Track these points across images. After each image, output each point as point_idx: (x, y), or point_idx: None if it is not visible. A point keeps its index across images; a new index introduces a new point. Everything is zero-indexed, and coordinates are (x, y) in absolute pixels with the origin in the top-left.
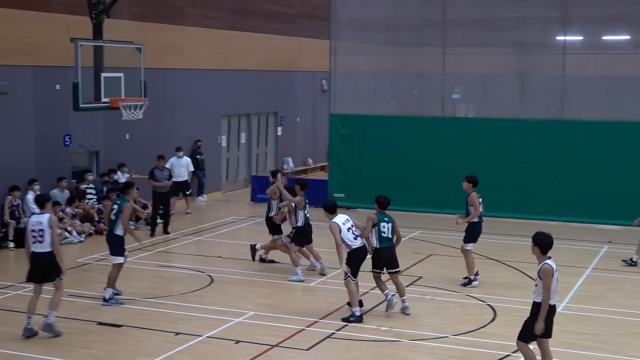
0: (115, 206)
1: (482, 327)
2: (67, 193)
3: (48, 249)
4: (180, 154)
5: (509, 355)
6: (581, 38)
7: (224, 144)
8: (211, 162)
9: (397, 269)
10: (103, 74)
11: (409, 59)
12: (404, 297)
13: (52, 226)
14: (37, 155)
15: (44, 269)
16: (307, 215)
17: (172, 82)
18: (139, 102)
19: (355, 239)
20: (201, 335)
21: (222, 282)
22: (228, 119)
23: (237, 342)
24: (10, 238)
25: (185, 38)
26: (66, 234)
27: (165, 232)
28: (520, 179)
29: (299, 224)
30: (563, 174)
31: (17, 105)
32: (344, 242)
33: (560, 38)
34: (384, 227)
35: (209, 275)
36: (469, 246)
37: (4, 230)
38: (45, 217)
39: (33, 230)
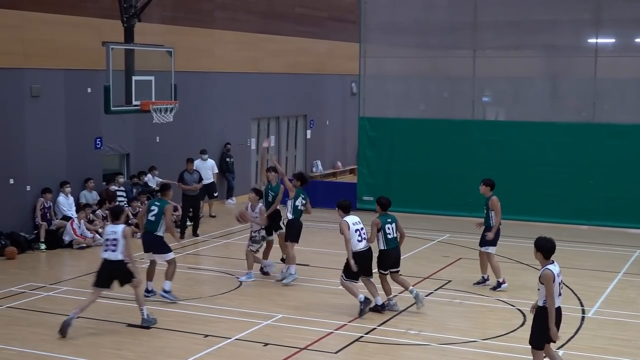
0: (155, 208)
1: (512, 331)
2: (95, 194)
3: (120, 258)
4: (205, 156)
5: None
6: (613, 40)
7: (253, 146)
8: (240, 165)
9: (398, 269)
10: (134, 77)
11: (439, 62)
12: (412, 287)
13: (125, 236)
14: (68, 157)
15: (114, 276)
16: (300, 209)
17: (202, 85)
18: (169, 105)
19: (360, 241)
20: (230, 338)
21: (251, 285)
22: (257, 122)
23: (266, 344)
24: (42, 240)
25: (215, 41)
26: (97, 235)
27: (195, 234)
28: (551, 183)
29: (289, 215)
30: (594, 177)
31: (50, 108)
32: None
33: (592, 40)
34: (388, 228)
35: (238, 278)
36: (491, 249)
37: (35, 232)
38: (119, 228)
39: (107, 239)
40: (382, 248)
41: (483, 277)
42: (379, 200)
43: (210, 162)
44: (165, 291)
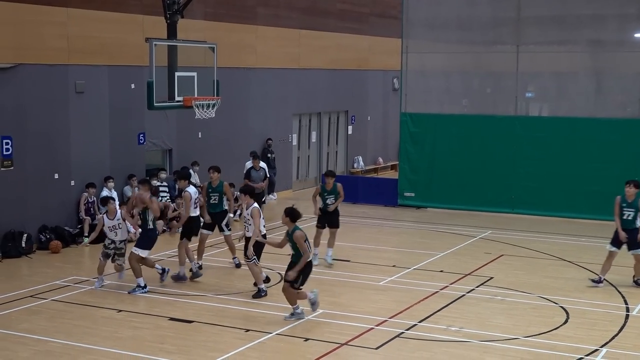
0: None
1: (554, 329)
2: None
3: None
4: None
5: (581, 358)
6: None
7: (294, 142)
8: (282, 161)
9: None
10: (177, 73)
11: (482, 58)
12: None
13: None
14: (112, 153)
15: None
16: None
17: (244, 81)
18: (211, 101)
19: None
20: (270, 333)
21: None
22: (299, 117)
23: (306, 339)
24: (86, 234)
25: (257, 37)
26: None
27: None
28: (596, 180)
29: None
30: (639, 174)
31: (93, 104)
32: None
33: (638, 35)
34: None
35: (279, 273)
36: (609, 247)
37: (79, 226)
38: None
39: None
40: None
41: (600, 277)
42: (287, 210)
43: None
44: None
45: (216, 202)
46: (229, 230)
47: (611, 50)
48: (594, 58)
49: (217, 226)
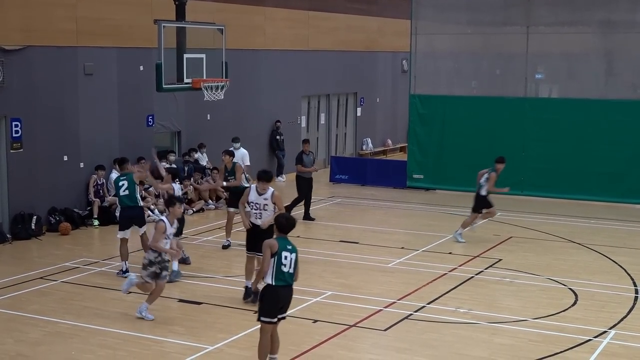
0: (124, 182)
1: (563, 310)
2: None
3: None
4: (237, 144)
5: (590, 339)
6: None
7: (303, 124)
8: (291, 143)
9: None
10: (185, 55)
11: (491, 39)
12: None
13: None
14: (121, 135)
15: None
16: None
17: (253, 63)
18: (220, 83)
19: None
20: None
21: (301, 262)
22: (308, 99)
23: (315, 321)
24: (95, 216)
25: (266, 19)
26: (149, 212)
27: (309, 218)
28: (606, 161)
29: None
30: None
31: (102, 86)
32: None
33: None
34: (285, 258)
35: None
36: None
37: (88, 208)
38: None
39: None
40: (270, 283)
41: None
42: (277, 219)
43: (242, 152)
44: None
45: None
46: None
47: (622, 31)
48: (604, 39)
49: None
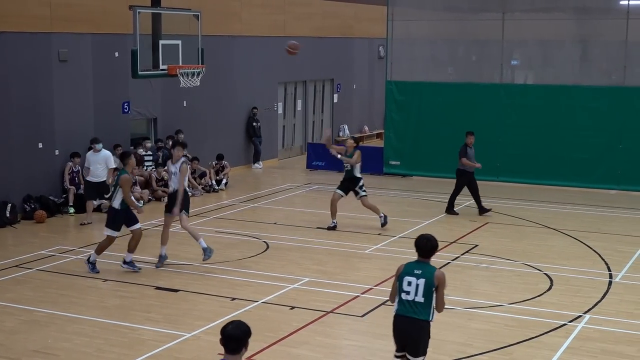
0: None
1: (539, 295)
2: None
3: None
4: (99, 146)
5: (565, 324)
6: None
7: (280, 111)
8: (267, 130)
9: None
10: (161, 42)
11: (467, 25)
12: None
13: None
14: (96, 122)
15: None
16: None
17: (230, 50)
18: (196, 70)
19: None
20: (257, 301)
21: (278, 249)
22: (284, 86)
23: (292, 307)
24: (70, 204)
25: (242, 5)
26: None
27: (483, 210)
28: (580, 147)
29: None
30: (624, 141)
31: (77, 72)
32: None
33: (623, 2)
34: (409, 284)
35: (265, 242)
36: None
37: (64, 196)
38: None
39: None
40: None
41: None
42: (417, 239)
43: (104, 154)
44: (125, 262)
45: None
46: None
47: (597, 17)
48: (579, 25)
49: None
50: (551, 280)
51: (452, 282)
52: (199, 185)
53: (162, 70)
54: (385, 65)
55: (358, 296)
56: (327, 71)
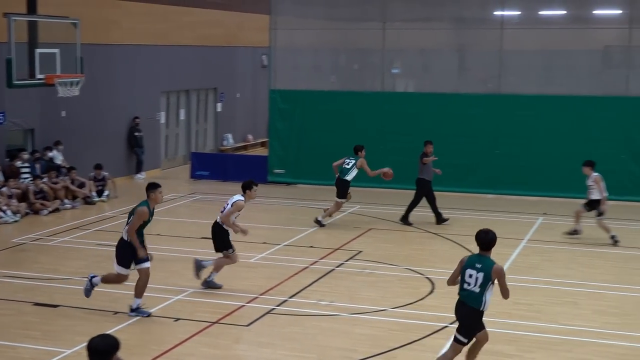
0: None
1: (421, 299)
2: None
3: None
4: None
5: (446, 326)
6: (518, 13)
7: (162, 120)
8: (150, 139)
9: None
10: (38, 50)
11: (349, 34)
12: None
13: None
14: None
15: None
16: None
17: (110, 58)
18: (75, 79)
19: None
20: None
21: (161, 260)
22: (167, 95)
23: (177, 319)
24: None
25: (123, 13)
26: (1, 213)
27: (441, 220)
28: (459, 153)
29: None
30: (500, 147)
31: None
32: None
33: (497, 13)
34: (470, 276)
35: (148, 253)
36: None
37: None
38: None
39: None
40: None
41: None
42: (477, 233)
43: None
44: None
45: None
46: None
47: (473, 27)
48: (456, 35)
49: None
50: (433, 283)
51: (337, 288)
52: (79, 196)
53: (39, 79)
54: (269, 74)
55: (243, 305)
56: (210, 80)
